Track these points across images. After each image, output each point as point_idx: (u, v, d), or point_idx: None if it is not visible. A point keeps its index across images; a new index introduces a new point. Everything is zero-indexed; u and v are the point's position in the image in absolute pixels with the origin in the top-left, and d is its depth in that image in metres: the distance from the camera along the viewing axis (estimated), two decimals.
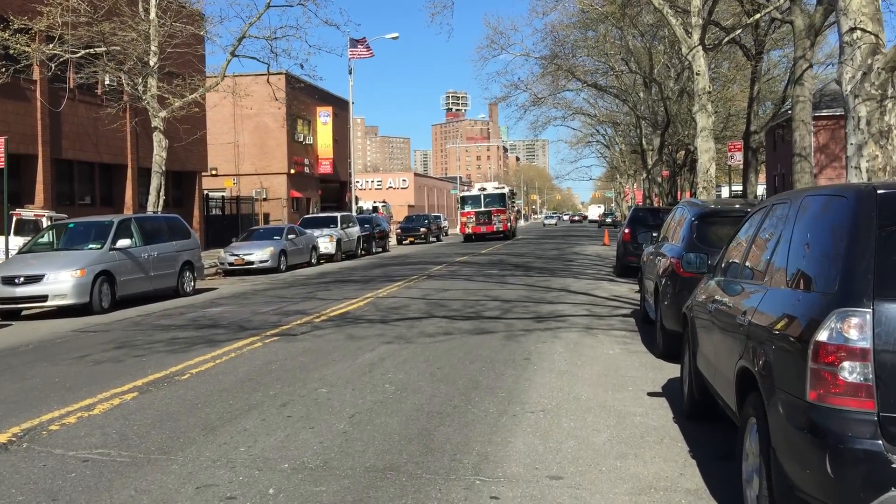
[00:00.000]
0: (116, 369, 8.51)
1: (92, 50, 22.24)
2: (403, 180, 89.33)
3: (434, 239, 48.01)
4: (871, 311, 3.12)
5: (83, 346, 10.33)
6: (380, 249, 35.07)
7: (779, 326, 3.67)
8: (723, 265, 5.58)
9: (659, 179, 44.15)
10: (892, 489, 2.92)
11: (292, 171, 46.80)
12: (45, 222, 20.11)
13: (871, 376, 3.09)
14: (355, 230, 31.47)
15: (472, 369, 8.00)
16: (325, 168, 51.56)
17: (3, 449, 5.60)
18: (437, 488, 4.60)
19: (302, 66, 43.66)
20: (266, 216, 43.77)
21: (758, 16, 21.82)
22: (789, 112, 21.90)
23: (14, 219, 20.54)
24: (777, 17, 21.16)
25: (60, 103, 25.09)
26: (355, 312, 12.90)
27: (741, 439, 4.10)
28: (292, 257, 24.70)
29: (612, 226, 62.17)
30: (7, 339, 11.59)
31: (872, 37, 7.44)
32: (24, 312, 14.44)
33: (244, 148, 46.21)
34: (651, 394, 6.88)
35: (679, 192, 46.71)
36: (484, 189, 46.24)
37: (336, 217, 30.97)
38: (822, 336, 3.18)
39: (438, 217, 55.35)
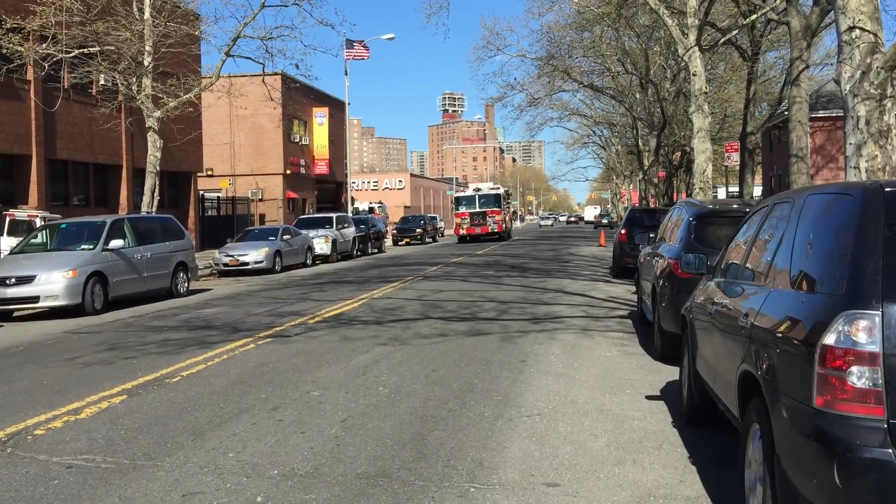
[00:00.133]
0: (106, 372, 8.37)
1: (86, 50, 22.06)
2: (399, 181, 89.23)
3: (430, 240, 47.88)
4: (880, 313, 3.01)
5: (74, 348, 10.18)
6: (375, 250, 34.95)
7: (783, 329, 3.55)
8: (722, 266, 5.46)
9: (655, 180, 44.08)
10: None
11: (288, 172, 46.64)
12: (39, 223, 19.92)
13: (880, 381, 2.98)
14: (351, 231, 31.35)
15: (467, 372, 7.87)
16: (321, 169, 51.41)
17: None
18: (430, 496, 4.47)
19: (297, 67, 43.59)
20: (262, 217, 43.61)
21: (754, 17, 21.76)
22: (785, 113, 21.84)
23: (7, 219, 20.36)
24: (773, 18, 21.09)
25: (54, 103, 24.91)
26: (350, 314, 12.77)
27: (743, 446, 3.99)
28: (287, 258, 24.57)
29: (608, 227, 62.09)
30: None
31: (871, 35, 7.34)
32: (15, 314, 14.28)
33: (240, 148, 46.03)
34: (649, 397, 6.76)
35: (675, 194, 46.64)
36: (479, 189, 45.92)
37: (332, 218, 30.81)
38: (830, 339, 3.07)
39: (434, 218, 55.23)
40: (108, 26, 21.44)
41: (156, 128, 22.90)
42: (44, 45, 21.25)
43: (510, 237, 47.89)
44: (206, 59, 60.06)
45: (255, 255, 23.00)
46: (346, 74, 42.88)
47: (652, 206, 39.00)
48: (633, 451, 5.27)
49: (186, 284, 17.50)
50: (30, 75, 24.19)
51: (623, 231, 18.97)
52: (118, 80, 23.46)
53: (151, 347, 9.90)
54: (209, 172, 40.82)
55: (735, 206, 9.74)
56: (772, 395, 3.53)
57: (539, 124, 49.99)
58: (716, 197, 48.53)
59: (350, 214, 37.83)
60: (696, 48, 18.17)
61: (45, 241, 15.69)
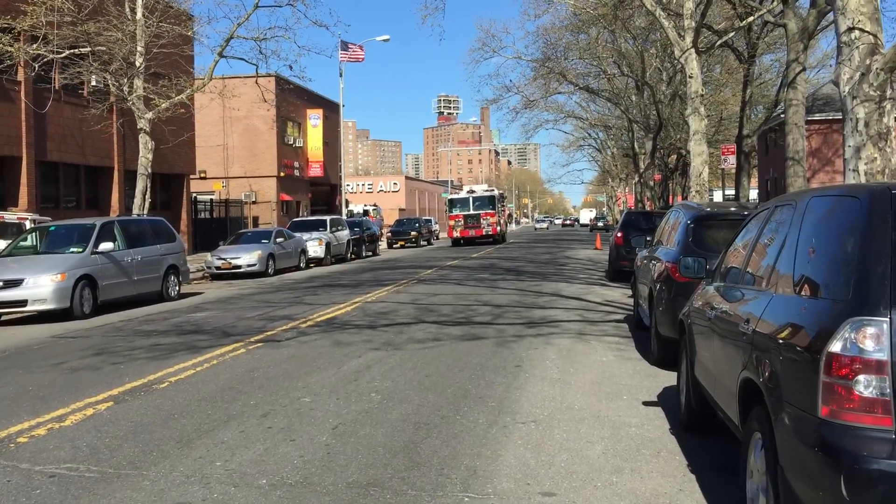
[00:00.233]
0: (92, 377, 8.22)
1: (77, 50, 21.89)
2: (394, 184, 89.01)
3: (425, 243, 47.71)
4: (888, 319, 2.90)
5: (60, 353, 10.02)
6: (370, 253, 34.80)
7: (786, 336, 3.44)
8: (722, 270, 5.35)
9: (651, 183, 44.05)
10: None
11: (282, 174, 46.46)
12: (29, 225, 19.72)
13: (888, 391, 2.87)
14: (345, 234, 31.18)
15: (461, 377, 7.75)
16: (316, 171, 51.23)
17: None
18: None
19: (291, 68, 43.69)
20: (255, 219, 43.41)
21: (750, 19, 21.71)
22: (782, 116, 21.79)
23: None
24: (770, 20, 21.07)
25: (45, 104, 24.69)
26: (343, 318, 12.63)
27: (745, 455, 3.87)
28: (281, 261, 24.40)
29: (603, 230, 62.07)
30: None
31: (871, 37, 7.25)
32: (2, 318, 14.11)
33: (233, 150, 45.83)
34: (646, 403, 6.64)
35: (671, 196, 46.63)
36: (473, 191, 45.61)
37: (325, 220, 30.65)
38: (836, 347, 2.95)
39: (429, 221, 55.05)
40: (100, 26, 21.26)
41: (147, 129, 22.73)
42: (34, 46, 21.07)
43: (505, 240, 47.73)
44: (199, 60, 59.89)
45: (247, 258, 22.83)
46: (341, 76, 42.80)
47: (648, 208, 38.94)
48: (630, 458, 5.15)
49: (177, 288, 17.33)
50: (20, 76, 23.98)
51: (619, 234, 18.88)
52: (109, 81, 23.26)
53: (140, 352, 9.75)
54: (202, 175, 40.60)
55: (733, 209, 9.64)
56: (775, 404, 3.41)
57: (535, 127, 49.94)
58: (712, 200, 48.57)
59: (344, 217, 37.65)
60: (693, 50, 18.11)
61: (34, 243, 15.50)
